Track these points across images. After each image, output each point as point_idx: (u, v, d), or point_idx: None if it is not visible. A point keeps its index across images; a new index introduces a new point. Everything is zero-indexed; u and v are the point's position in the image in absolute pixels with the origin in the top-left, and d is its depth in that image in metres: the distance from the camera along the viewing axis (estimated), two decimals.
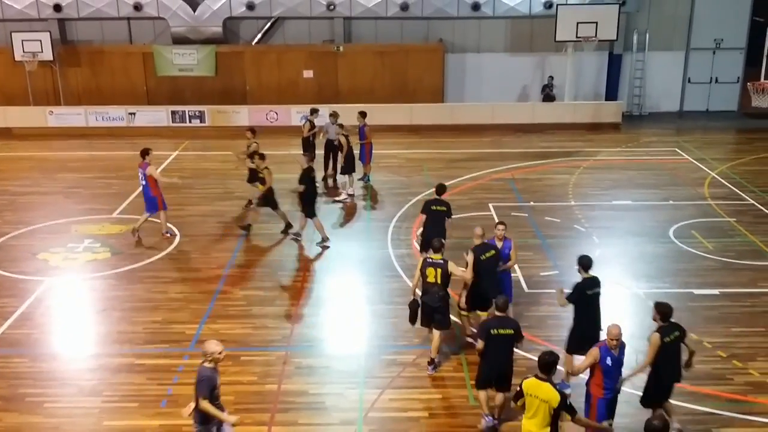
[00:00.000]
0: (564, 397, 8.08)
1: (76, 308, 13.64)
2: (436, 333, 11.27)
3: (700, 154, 23.20)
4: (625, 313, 12.93)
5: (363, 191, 19.88)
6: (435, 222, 13.96)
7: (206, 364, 8.50)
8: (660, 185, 20.19)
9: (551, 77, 28.41)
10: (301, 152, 20.03)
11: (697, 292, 13.86)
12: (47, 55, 27.20)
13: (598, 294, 10.39)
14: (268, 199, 16.33)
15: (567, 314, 12.86)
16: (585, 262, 10.54)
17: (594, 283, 10.43)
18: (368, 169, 20.41)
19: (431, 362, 11.34)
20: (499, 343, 9.59)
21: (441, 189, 14.29)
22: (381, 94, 28.03)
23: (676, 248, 15.90)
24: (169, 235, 16.61)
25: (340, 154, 19.59)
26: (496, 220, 16.80)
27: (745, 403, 10.50)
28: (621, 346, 9.04)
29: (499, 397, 9.84)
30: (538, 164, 22.39)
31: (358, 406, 10.50)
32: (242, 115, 27.11)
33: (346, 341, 12.36)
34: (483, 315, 11.66)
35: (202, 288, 14.21)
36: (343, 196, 19.04)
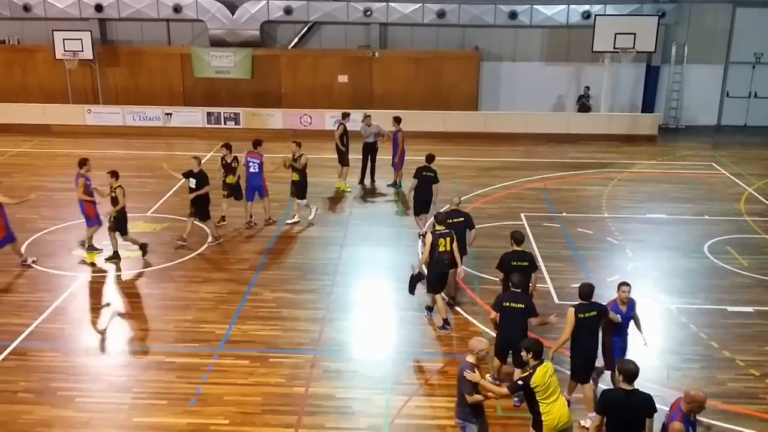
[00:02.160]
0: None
1: (108, 305, 13.82)
2: (439, 297, 12.63)
3: (737, 169, 22.88)
4: (657, 328, 12.78)
5: (394, 197, 19.91)
6: (425, 186, 16.23)
7: (468, 359, 8.63)
8: (695, 199, 19.94)
9: (587, 87, 28.22)
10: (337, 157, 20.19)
11: (730, 309, 13.65)
12: (87, 54, 27.67)
13: (593, 317, 9.90)
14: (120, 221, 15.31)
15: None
16: (584, 291, 10.07)
17: (589, 307, 9.96)
18: (399, 175, 20.41)
19: (447, 323, 12.63)
20: (510, 315, 10.38)
21: (430, 158, 16.86)
22: (415, 101, 28.07)
23: (711, 264, 15.68)
24: (272, 221, 17.74)
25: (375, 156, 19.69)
26: (529, 231, 16.90)
27: None
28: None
29: (484, 341, 9.96)
30: (571, 175, 22.24)
31: (384, 412, 10.49)
32: (276, 119, 27.31)
33: (374, 346, 12.36)
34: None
35: (232, 288, 14.31)
36: (294, 219, 17.76)
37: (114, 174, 15.14)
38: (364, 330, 12.91)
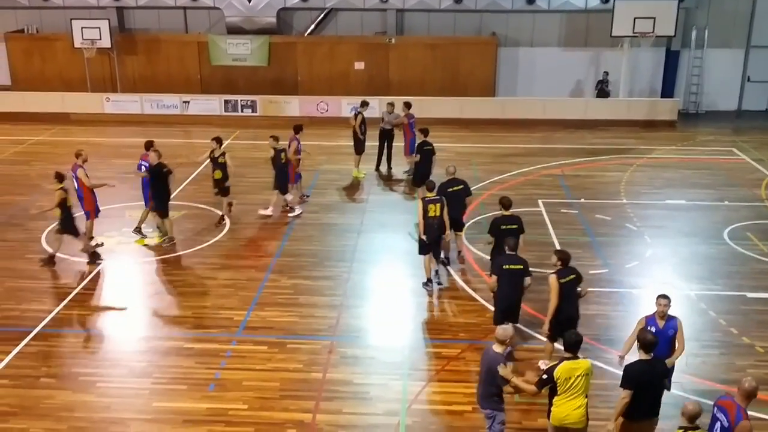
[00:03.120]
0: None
1: (128, 291, 13.94)
2: (426, 259, 13.48)
3: (757, 155, 22.64)
4: (676, 314, 12.69)
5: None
6: (426, 159, 17.45)
7: (495, 348, 8.65)
8: (715, 185, 19.77)
9: (606, 73, 27.98)
10: (353, 145, 20.18)
11: (750, 295, 13.55)
12: (105, 42, 27.79)
13: (572, 281, 10.47)
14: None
15: (615, 313, 12.76)
16: (564, 257, 10.62)
17: (568, 272, 10.51)
18: (412, 161, 20.27)
19: (439, 282, 13.67)
20: (509, 277, 10.87)
21: (426, 132, 17.91)
22: (432, 87, 27.97)
23: (730, 250, 15.56)
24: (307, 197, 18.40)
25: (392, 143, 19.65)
26: (547, 218, 16.86)
27: None
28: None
29: (510, 328, 10.28)
30: (589, 161, 22.11)
31: (401, 398, 10.53)
32: (293, 106, 27.33)
33: (391, 333, 12.40)
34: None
35: (250, 275, 14.39)
36: (268, 212, 17.35)
37: (58, 176, 14.62)
38: (381, 316, 12.95)
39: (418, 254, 13.71)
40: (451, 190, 14.12)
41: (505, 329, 8.74)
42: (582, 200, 18.54)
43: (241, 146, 23.65)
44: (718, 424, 7.59)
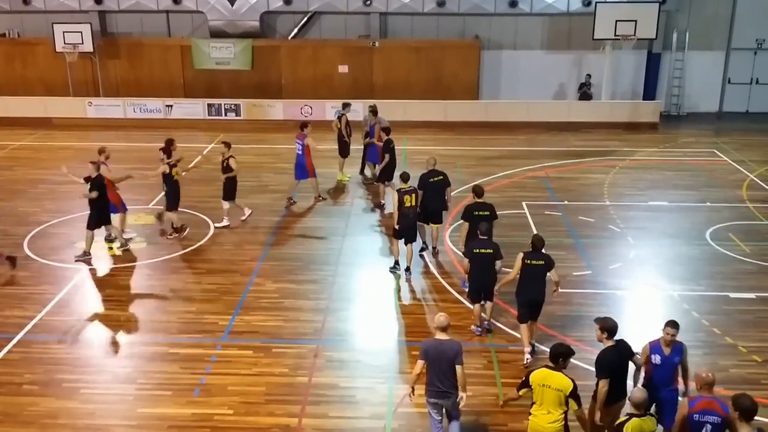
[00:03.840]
0: (576, 385, 8.14)
1: (111, 297, 13.85)
2: (410, 247, 14.27)
3: (738, 156, 22.85)
4: (659, 315, 12.82)
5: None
6: (392, 158, 18.02)
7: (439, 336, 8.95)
8: (697, 187, 19.93)
9: (589, 75, 28.14)
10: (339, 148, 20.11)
11: (732, 295, 13.67)
12: (87, 46, 27.61)
13: (540, 266, 11.07)
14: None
15: (599, 315, 12.78)
16: (536, 241, 11.26)
17: (537, 256, 11.12)
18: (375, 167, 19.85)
19: (408, 269, 14.34)
20: (480, 260, 11.61)
21: (388, 130, 18.20)
22: (416, 90, 28.02)
23: (713, 251, 15.69)
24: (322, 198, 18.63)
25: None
26: (531, 220, 16.93)
27: None
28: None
29: (488, 305, 12.06)
30: (573, 163, 22.22)
31: (388, 401, 10.54)
32: (277, 109, 27.29)
33: (377, 336, 12.40)
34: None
35: (235, 280, 14.35)
36: (223, 223, 16.93)
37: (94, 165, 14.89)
38: (366, 319, 12.95)
39: (393, 236, 14.55)
40: (431, 180, 14.71)
41: (440, 317, 9.03)
42: (566, 202, 18.63)
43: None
44: (707, 427, 7.63)
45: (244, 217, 17.24)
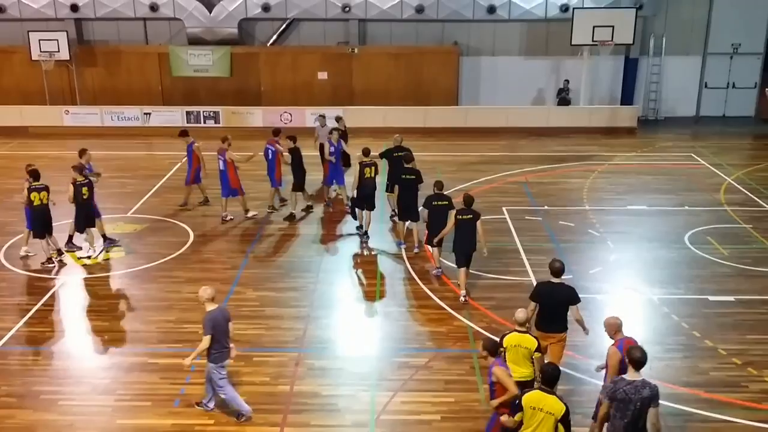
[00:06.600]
0: (568, 410, 7.89)
1: (89, 307, 13.69)
2: (368, 213, 16.14)
3: (716, 160, 23.06)
4: (639, 318, 12.89)
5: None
6: (297, 162, 18.12)
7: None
8: (675, 190, 20.08)
9: (567, 81, 28.32)
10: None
11: (712, 298, 13.76)
12: (64, 54, 27.41)
13: (469, 220, 13.23)
14: None
15: (588, 322, 12.87)
16: (463, 198, 13.43)
17: (467, 212, 13.27)
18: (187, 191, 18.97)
19: (366, 233, 16.26)
20: (436, 212, 14.05)
21: (294, 138, 18.13)
22: (395, 96, 28.05)
23: (692, 254, 15.80)
24: (229, 218, 17.87)
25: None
26: (511, 225, 16.98)
27: (760, 411, 10.39)
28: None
29: (462, 273, 13.51)
30: (552, 168, 22.32)
31: (370, 409, 10.48)
32: (256, 116, 27.20)
33: (359, 343, 12.35)
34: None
35: (215, 288, 14.16)
36: (86, 253, 15.75)
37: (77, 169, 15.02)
38: (348, 327, 12.89)
39: (351, 205, 16.82)
40: (396, 155, 16.61)
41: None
42: (546, 207, 18.70)
43: (203, 158, 23.35)
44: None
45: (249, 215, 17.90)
